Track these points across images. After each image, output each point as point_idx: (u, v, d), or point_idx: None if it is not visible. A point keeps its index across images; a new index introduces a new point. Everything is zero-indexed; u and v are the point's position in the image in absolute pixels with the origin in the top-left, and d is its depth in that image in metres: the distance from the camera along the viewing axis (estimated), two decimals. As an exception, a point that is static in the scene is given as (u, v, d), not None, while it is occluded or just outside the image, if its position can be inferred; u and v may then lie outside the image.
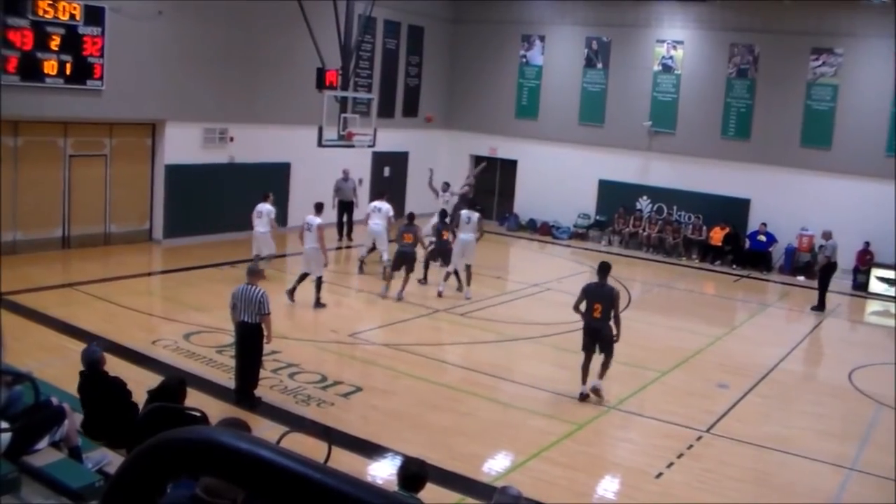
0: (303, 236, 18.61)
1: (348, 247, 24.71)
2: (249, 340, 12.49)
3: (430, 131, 32.22)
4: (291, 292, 18.46)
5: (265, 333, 12.51)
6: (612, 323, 13.33)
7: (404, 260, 19.29)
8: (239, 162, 25.00)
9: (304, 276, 18.55)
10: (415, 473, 6.87)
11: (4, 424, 7.79)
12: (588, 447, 11.89)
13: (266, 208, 20.60)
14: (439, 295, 19.73)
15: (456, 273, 20.14)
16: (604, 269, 13.74)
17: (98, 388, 9.09)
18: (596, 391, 13.62)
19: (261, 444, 1.65)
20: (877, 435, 13.29)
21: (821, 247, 23.06)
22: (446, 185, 25.12)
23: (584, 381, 13.61)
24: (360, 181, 28.45)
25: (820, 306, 21.81)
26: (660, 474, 10.95)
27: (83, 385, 9.23)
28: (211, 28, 23.56)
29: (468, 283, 19.96)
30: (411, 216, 20.20)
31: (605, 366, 13.59)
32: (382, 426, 12.12)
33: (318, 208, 18.94)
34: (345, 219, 26.24)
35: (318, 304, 18.32)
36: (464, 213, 20.76)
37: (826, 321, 21.30)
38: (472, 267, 20.09)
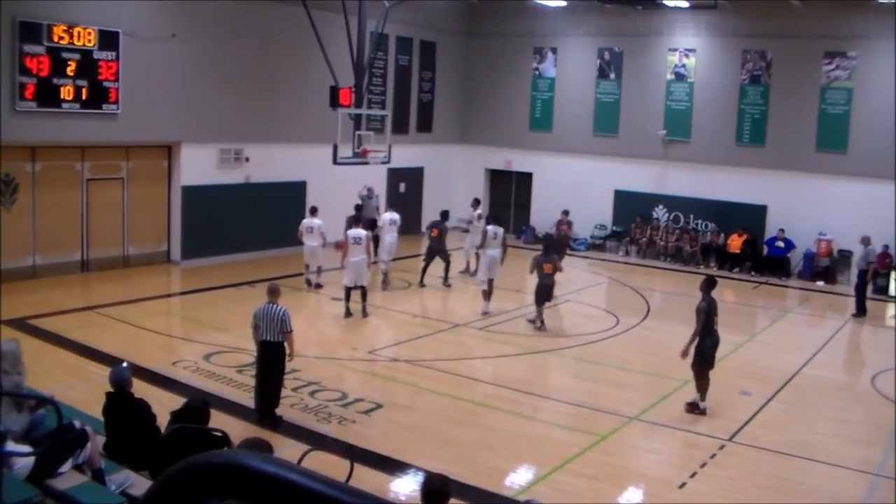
0: (348, 250, 18.85)
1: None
2: (272, 359, 12.48)
3: (445, 146, 32.34)
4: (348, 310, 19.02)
5: (288, 351, 12.53)
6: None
7: (546, 291, 18.81)
8: (255, 182, 25.10)
9: (350, 290, 18.97)
10: (437, 490, 6.84)
11: (28, 448, 7.81)
12: (611, 458, 11.83)
13: (316, 223, 21.33)
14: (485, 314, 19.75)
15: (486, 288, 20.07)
16: (710, 283, 14.00)
17: (124, 409, 9.11)
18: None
19: (286, 466, 1.66)
20: (902, 440, 13.21)
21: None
22: (476, 203, 25.58)
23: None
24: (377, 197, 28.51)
25: (861, 311, 21.77)
26: (683, 484, 10.91)
27: (109, 406, 9.25)
28: (224, 49, 23.69)
29: (488, 299, 19.92)
30: (548, 246, 19.87)
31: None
32: (405, 442, 12.12)
33: (359, 221, 19.98)
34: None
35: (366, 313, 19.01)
36: (490, 228, 20.68)
37: (847, 326, 21.20)
38: (494, 281, 20.08)
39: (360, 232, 19.07)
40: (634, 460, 12.03)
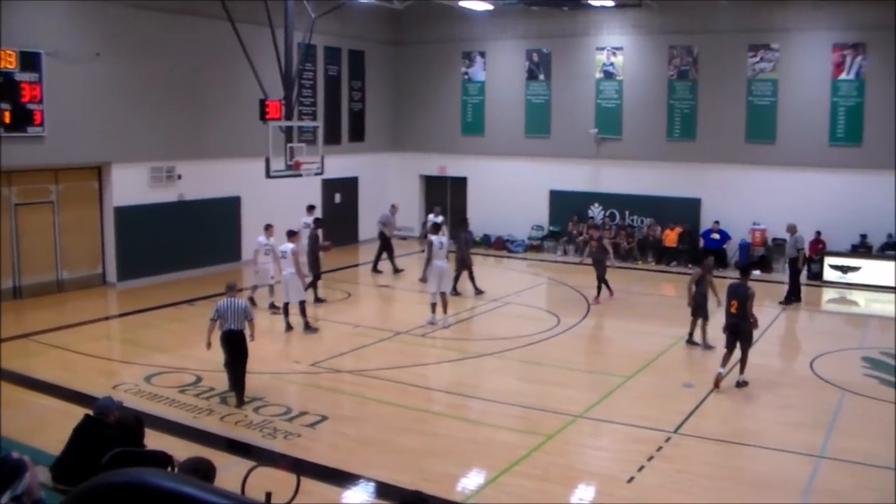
0: (279, 264, 18.95)
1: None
2: (239, 346, 13.96)
3: (378, 155, 32.31)
4: (288, 325, 18.95)
5: (250, 334, 14.19)
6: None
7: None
8: (188, 199, 24.84)
9: (287, 306, 18.85)
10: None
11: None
12: (558, 458, 11.84)
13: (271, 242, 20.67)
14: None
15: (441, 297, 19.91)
16: (745, 271, 15.69)
17: (93, 435, 8.92)
18: (741, 384, 14.88)
19: (187, 482, 1.61)
20: (842, 421, 13.40)
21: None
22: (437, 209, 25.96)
23: (723, 365, 14.83)
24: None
25: (796, 297, 22.08)
26: (632, 478, 10.95)
27: (81, 427, 9.10)
28: (151, 66, 23.42)
29: (439, 311, 19.79)
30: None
31: (743, 360, 14.87)
32: (352, 453, 12.03)
33: (290, 235, 19.23)
34: (384, 255, 26.15)
35: (309, 328, 18.81)
36: (435, 238, 20.33)
37: (785, 313, 21.47)
38: (447, 295, 20.00)
39: (286, 246, 18.78)
40: (582, 458, 12.08)
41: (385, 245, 25.87)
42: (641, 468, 11.28)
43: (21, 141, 20.76)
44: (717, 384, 14.65)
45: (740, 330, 14.76)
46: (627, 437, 12.60)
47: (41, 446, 10.20)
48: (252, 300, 20.05)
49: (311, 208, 24.10)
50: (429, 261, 20.13)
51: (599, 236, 22.61)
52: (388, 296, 21.81)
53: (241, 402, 13.91)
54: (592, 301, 21.65)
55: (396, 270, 25.54)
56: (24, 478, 7.99)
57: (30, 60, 20.76)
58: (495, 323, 20.51)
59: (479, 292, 22.46)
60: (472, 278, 22.55)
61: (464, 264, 22.28)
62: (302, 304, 18.76)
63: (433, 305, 19.63)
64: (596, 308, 21.52)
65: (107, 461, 7.88)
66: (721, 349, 15.36)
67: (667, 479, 10.99)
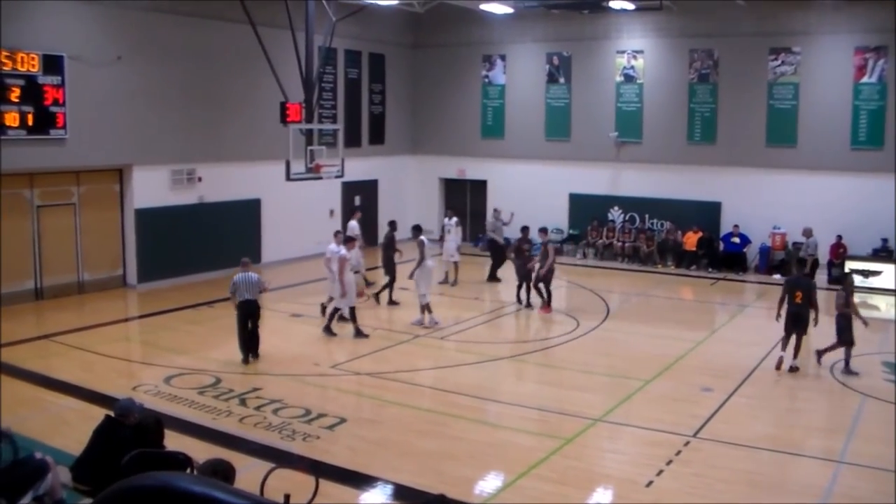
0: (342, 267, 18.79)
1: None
2: (252, 312, 16.58)
3: (398, 157, 32.38)
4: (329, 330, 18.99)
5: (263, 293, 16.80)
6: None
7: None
8: (209, 201, 24.94)
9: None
10: None
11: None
12: (577, 461, 11.82)
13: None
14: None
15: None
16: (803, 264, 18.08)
17: (112, 436, 8.98)
18: (794, 369, 16.03)
19: (216, 486, 1.63)
20: (863, 426, 13.33)
21: (795, 244, 23.12)
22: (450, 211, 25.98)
23: (783, 348, 16.35)
24: (332, 212, 28.54)
25: None
26: (650, 483, 10.92)
27: (101, 427, 9.16)
28: (172, 69, 23.56)
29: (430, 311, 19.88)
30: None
31: (798, 347, 16.16)
32: (371, 456, 12.05)
33: (348, 241, 19.73)
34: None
35: (360, 334, 18.71)
36: (425, 239, 20.41)
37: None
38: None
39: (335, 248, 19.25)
40: (600, 462, 12.03)
41: (497, 253, 25.29)
42: (660, 472, 11.25)
43: (43, 143, 20.93)
44: (778, 367, 16.08)
45: (802, 318, 16.06)
46: (646, 441, 12.57)
47: (61, 446, 10.28)
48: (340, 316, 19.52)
49: (354, 211, 24.36)
50: (420, 262, 19.92)
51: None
52: (407, 298, 21.77)
53: (253, 356, 16.58)
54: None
55: (494, 279, 25.20)
56: (47, 478, 8.06)
57: (52, 63, 20.92)
58: (514, 326, 20.53)
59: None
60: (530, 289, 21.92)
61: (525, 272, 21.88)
62: (352, 310, 18.77)
63: (424, 307, 19.67)
64: (616, 311, 21.49)
65: (126, 462, 7.94)
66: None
67: (685, 484, 10.95)
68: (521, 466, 11.47)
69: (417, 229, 20.70)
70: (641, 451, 12.23)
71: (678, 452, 12.00)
